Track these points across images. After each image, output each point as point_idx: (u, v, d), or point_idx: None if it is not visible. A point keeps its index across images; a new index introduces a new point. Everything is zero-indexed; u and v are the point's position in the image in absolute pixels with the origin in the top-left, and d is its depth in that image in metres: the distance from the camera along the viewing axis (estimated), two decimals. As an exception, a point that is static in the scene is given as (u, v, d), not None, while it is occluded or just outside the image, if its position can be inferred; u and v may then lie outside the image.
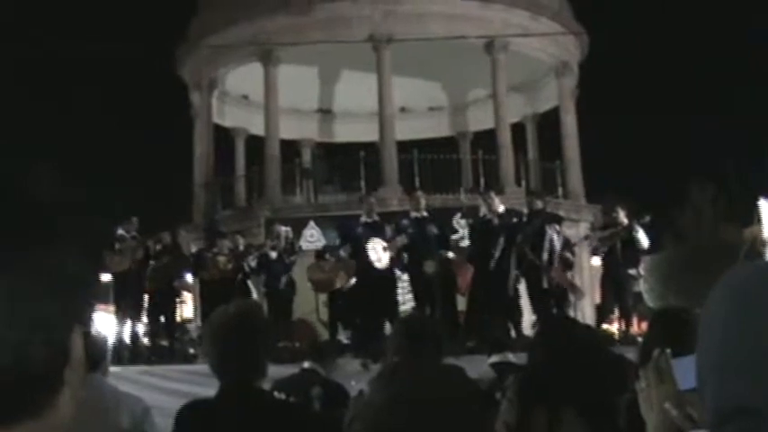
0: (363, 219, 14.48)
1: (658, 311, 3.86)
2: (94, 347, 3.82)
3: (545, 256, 13.71)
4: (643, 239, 13.82)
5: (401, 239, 13.88)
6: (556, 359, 3.78)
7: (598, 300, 15.54)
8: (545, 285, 13.65)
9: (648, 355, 2.09)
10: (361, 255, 13.91)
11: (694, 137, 31.53)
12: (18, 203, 0.87)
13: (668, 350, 2.02)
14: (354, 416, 4.13)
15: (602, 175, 26.07)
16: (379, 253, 13.84)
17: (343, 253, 14.39)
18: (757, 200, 16.51)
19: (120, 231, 15.64)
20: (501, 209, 13.90)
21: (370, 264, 13.70)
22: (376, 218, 14.49)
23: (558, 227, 14.20)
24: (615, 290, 14.13)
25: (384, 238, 13.99)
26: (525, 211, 14.59)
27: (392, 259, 13.93)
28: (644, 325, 12.41)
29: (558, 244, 13.94)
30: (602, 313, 14.89)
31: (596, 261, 16.12)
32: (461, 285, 14.41)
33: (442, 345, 4.26)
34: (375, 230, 14.17)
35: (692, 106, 32.58)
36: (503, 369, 6.25)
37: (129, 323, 15.68)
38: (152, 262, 15.37)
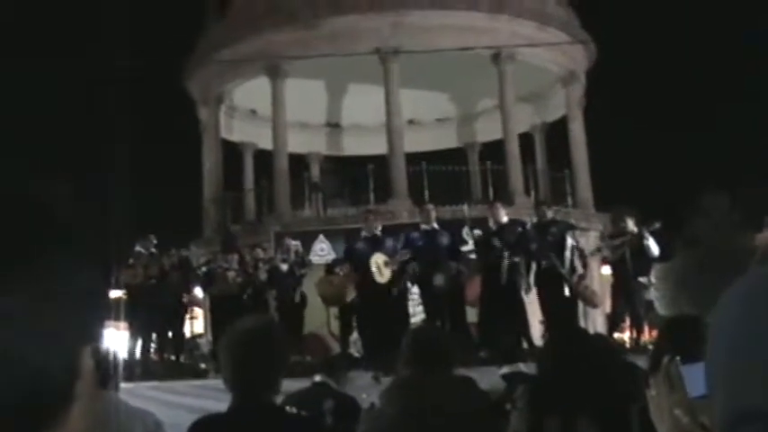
0: (364, 234, 14.54)
1: (668, 319, 3.85)
2: (104, 363, 3.82)
3: (566, 264, 13.73)
4: (653, 247, 13.79)
5: (402, 254, 13.91)
6: (567, 368, 3.78)
7: (608, 308, 15.50)
8: (567, 294, 13.66)
9: (659, 362, 2.08)
10: (361, 270, 13.94)
11: (704, 143, 31.47)
12: (33, 218, 0.88)
13: (678, 357, 2.01)
14: (366, 429, 4.14)
15: (611, 184, 26.01)
16: (381, 268, 13.85)
17: (339, 269, 14.47)
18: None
19: (138, 248, 15.72)
20: (504, 219, 13.92)
21: (372, 278, 13.74)
22: (377, 232, 14.50)
23: (574, 234, 14.26)
24: (626, 298, 14.11)
25: (385, 252, 14.00)
26: (534, 220, 14.60)
27: (396, 273, 13.94)
28: (655, 333, 12.38)
29: (576, 252, 13.99)
30: (614, 322, 14.85)
31: (606, 270, 16.07)
32: (470, 297, 14.42)
33: (452, 357, 4.26)
34: (375, 245, 14.18)
35: (702, 113, 32.52)
36: (513, 380, 6.24)
37: (140, 339, 15.71)
38: (159, 281, 15.41)
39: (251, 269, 15.66)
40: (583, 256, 14.46)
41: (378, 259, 13.89)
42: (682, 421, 1.99)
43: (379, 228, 14.65)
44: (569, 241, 13.94)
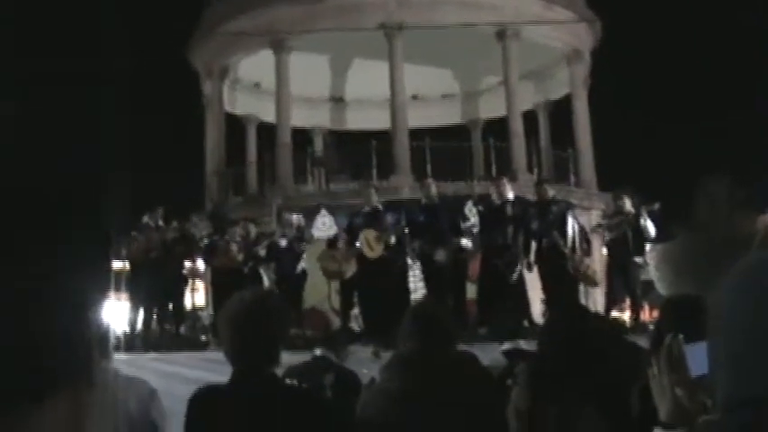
0: (364, 209, 14.58)
1: (670, 299, 3.85)
2: (100, 333, 3.83)
3: (568, 243, 13.75)
4: (650, 228, 13.79)
5: (394, 230, 13.96)
6: (567, 346, 3.78)
7: (606, 288, 15.52)
8: (570, 272, 13.68)
9: (660, 341, 2.09)
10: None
11: (710, 126, 31.40)
12: (38, 189, 0.88)
13: (681, 336, 2.02)
14: (366, 403, 4.15)
15: (614, 164, 25.97)
16: (371, 243, 13.89)
17: (340, 244, 14.53)
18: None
19: (146, 220, 15.71)
20: (511, 196, 13.92)
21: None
22: (378, 206, 14.53)
23: (574, 213, 14.26)
24: (623, 278, 14.13)
25: (385, 227, 14.03)
26: (534, 198, 14.59)
27: (390, 248, 13.97)
28: (655, 313, 12.39)
29: (577, 231, 14.00)
30: (611, 301, 14.86)
31: (603, 250, 16.09)
32: (472, 273, 14.43)
33: (454, 333, 4.27)
34: (374, 220, 14.21)
35: (708, 96, 32.43)
36: (514, 356, 6.25)
37: (141, 311, 15.73)
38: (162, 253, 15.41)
39: (251, 244, 15.65)
40: (585, 235, 14.46)
41: (367, 234, 13.93)
42: (683, 400, 2.00)
43: (378, 202, 14.69)
44: (570, 220, 13.94)
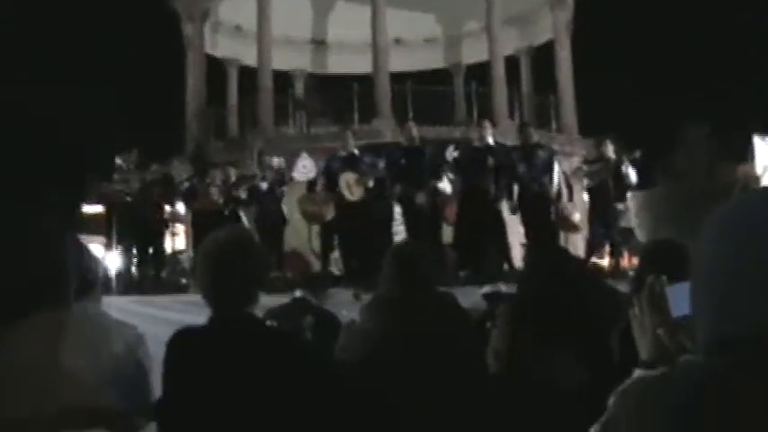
0: (340, 153, 14.56)
1: (651, 242, 3.86)
2: (89, 271, 3.80)
3: (554, 188, 13.76)
4: (632, 175, 13.84)
5: (372, 174, 13.99)
6: (547, 288, 3.79)
7: (587, 234, 15.58)
8: (552, 218, 13.71)
9: (642, 282, 2.08)
10: (337, 188, 14.03)
11: (691, 71, 31.38)
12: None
13: (663, 276, 2.01)
14: (345, 344, 4.15)
15: (596, 110, 25.95)
16: (351, 186, 13.90)
17: (319, 187, 14.55)
18: (751, 137, 16.49)
19: (119, 162, 15.57)
20: (491, 141, 13.90)
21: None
22: (354, 151, 14.53)
23: (559, 159, 14.29)
24: (603, 224, 14.17)
25: (362, 170, 14.04)
26: (517, 143, 14.57)
27: (369, 191, 14.00)
28: (635, 260, 12.44)
29: (562, 177, 14.03)
30: (592, 247, 14.93)
31: (585, 196, 16.12)
32: (449, 216, 14.44)
33: (434, 274, 4.26)
34: (352, 163, 14.21)
35: (690, 40, 32.33)
36: (494, 299, 6.26)
37: (120, 254, 15.66)
38: (140, 194, 15.31)
39: (231, 187, 15.60)
40: (567, 181, 14.50)
41: (348, 177, 13.93)
42: (664, 340, 2.00)
43: (355, 146, 14.71)
44: (557, 166, 13.94)
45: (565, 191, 14.13)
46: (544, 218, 13.63)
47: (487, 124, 14.40)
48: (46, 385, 0.93)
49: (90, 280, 3.76)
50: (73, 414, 0.94)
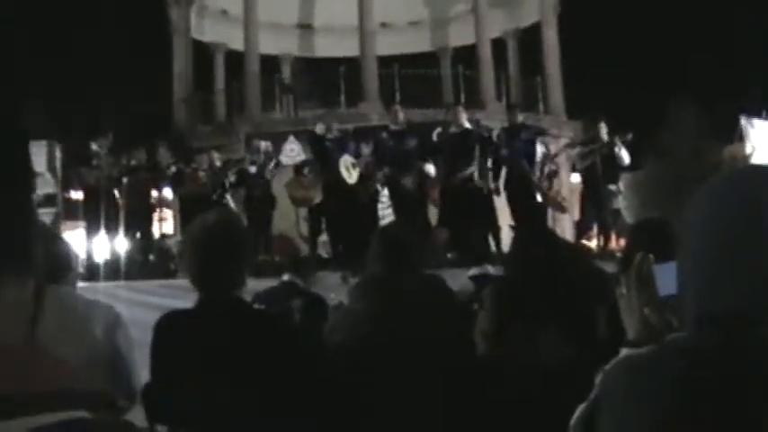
0: (327, 135, 14.56)
1: (639, 221, 3.85)
2: (61, 256, 3.79)
3: (536, 169, 13.76)
4: (624, 156, 13.85)
5: (366, 158, 14.01)
6: (534, 269, 3.78)
7: (577, 216, 15.59)
8: (538, 199, 13.71)
9: (629, 261, 2.08)
10: (329, 170, 14.01)
11: (678, 53, 31.38)
12: None
13: (650, 255, 2.01)
14: (334, 326, 4.14)
15: (583, 92, 25.94)
16: (349, 169, 13.91)
17: (307, 170, 14.55)
18: (739, 117, 16.52)
19: (94, 147, 15.47)
20: (466, 124, 13.88)
21: (340, 179, 13.84)
22: (337, 134, 14.56)
23: (544, 140, 14.25)
24: (595, 205, 14.19)
25: (349, 153, 14.08)
26: (506, 125, 14.56)
27: (362, 175, 14.01)
28: (622, 241, 12.48)
29: (547, 157, 14.03)
30: (582, 229, 14.95)
31: (576, 177, 16.12)
32: (436, 198, 14.45)
33: (422, 256, 4.26)
34: (339, 146, 14.24)
35: (679, 21, 32.29)
36: (481, 281, 6.26)
37: (105, 240, 15.59)
38: (125, 179, 15.24)
39: (218, 171, 15.58)
40: (553, 162, 14.49)
41: (347, 160, 13.96)
42: (650, 319, 1.99)
43: (339, 130, 14.76)
44: (539, 147, 13.94)
45: (550, 171, 14.13)
46: (527, 199, 13.64)
47: (461, 108, 14.45)
48: (23, 364, 0.92)
49: (62, 264, 3.75)
50: (53, 395, 0.93)
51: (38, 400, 0.89)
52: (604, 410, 1.50)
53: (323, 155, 14.41)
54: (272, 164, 15.42)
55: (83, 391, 0.98)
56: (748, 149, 14.99)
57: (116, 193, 15.27)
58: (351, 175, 13.92)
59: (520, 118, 14.45)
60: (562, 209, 14.86)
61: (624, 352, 1.94)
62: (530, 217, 13.47)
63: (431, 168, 14.01)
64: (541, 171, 13.87)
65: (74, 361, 1.07)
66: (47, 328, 1.25)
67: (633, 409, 1.40)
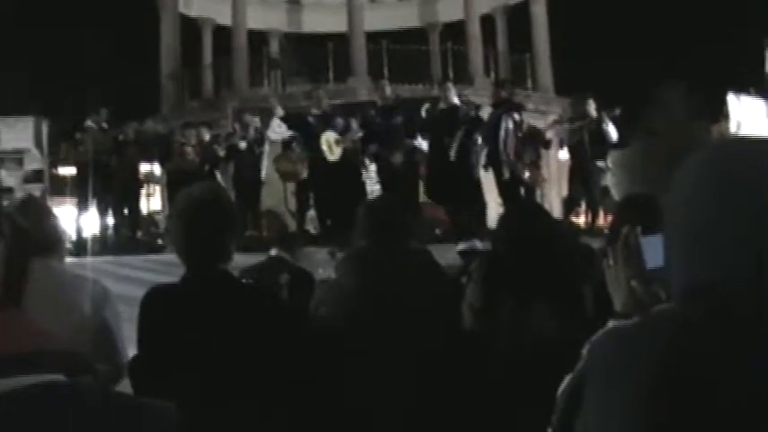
0: (314, 111, 14.51)
1: (627, 196, 3.86)
2: (48, 231, 3.77)
3: (501, 146, 13.49)
4: (612, 132, 13.83)
5: (354, 133, 13.96)
6: (521, 242, 3.78)
7: (565, 192, 15.58)
8: (507, 176, 13.55)
9: (617, 234, 2.08)
10: (312, 147, 13.98)
11: (666, 31, 31.37)
12: None
13: (638, 228, 2.02)
14: (321, 300, 4.14)
15: (572, 69, 25.94)
16: (331, 146, 13.87)
17: (295, 145, 14.51)
18: (726, 95, 16.54)
19: (89, 123, 15.39)
20: (456, 101, 13.79)
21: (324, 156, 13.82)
22: (326, 109, 14.51)
23: (516, 115, 13.91)
24: (583, 182, 14.17)
25: (335, 130, 14.02)
26: (491, 101, 14.46)
27: (347, 151, 13.97)
28: (610, 218, 12.48)
29: (511, 132, 13.65)
30: (570, 205, 14.95)
31: (564, 154, 16.09)
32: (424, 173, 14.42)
33: (409, 228, 4.25)
34: (325, 122, 14.19)
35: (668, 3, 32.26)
36: (470, 256, 6.27)
37: (95, 215, 15.55)
38: (113, 156, 15.19)
39: (206, 146, 15.54)
40: (525, 138, 14.18)
41: (329, 137, 13.90)
42: (637, 291, 2.00)
43: (329, 105, 14.71)
44: (504, 123, 13.56)
45: (512, 147, 13.76)
46: (497, 176, 13.57)
47: (450, 85, 14.37)
48: (16, 330, 0.91)
49: (50, 238, 3.74)
50: (27, 356, 0.92)
51: (12, 362, 0.89)
52: (590, 380, 1.51)
53: (306, 131, 14.36)
54: (263, 139, 15.38)
55: (58, 352, 0.97)
56: (733, 127, 15.02)
57: (107, 168, 15.17)
58: (333, 152, 13.88)
59: (503, 94, 14.26)
60: (535, 185, 14.66)
61: (611, 323, 1.94)
62: (513, 193, 13.41)
63: (423, 144, 13.95)
64: (505, 146, 13.50)
65: (61, 334, 1.06)
66: (34, 301, 1.25)
67: (618, 379, 1.41)
